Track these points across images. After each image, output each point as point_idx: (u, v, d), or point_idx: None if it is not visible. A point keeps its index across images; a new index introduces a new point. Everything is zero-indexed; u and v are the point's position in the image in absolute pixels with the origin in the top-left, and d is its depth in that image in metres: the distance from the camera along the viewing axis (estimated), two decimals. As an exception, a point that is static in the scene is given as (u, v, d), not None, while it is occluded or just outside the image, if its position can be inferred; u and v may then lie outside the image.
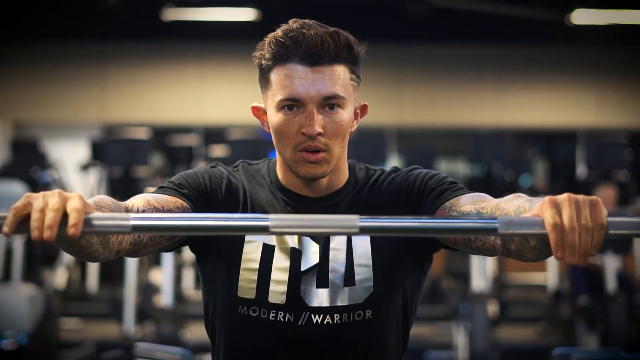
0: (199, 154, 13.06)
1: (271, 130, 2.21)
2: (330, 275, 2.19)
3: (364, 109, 2.33)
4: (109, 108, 15.27)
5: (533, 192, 11.35)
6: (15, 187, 7.85)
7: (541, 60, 15.33)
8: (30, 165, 10.06)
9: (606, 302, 7.96)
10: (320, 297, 2.18)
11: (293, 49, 2.12)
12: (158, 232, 1.80)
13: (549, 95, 15.47)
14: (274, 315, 2.18)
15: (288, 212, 2.22)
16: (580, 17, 13.07)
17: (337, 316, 2.18)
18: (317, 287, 2.18)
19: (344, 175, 2.28)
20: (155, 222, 1.79)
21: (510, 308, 9.05)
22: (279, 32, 2.17)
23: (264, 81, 2.19)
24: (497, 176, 10.49)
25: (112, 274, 10.33)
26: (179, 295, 8.44)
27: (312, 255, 2.19)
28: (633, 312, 8.36)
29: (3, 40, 14.62)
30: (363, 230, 1.74)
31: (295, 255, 2.19)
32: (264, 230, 1.75)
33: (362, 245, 2.21)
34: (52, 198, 1.69)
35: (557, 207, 1.72)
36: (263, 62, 2.18)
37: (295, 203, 2.23)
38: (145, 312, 8.12)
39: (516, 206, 1.95)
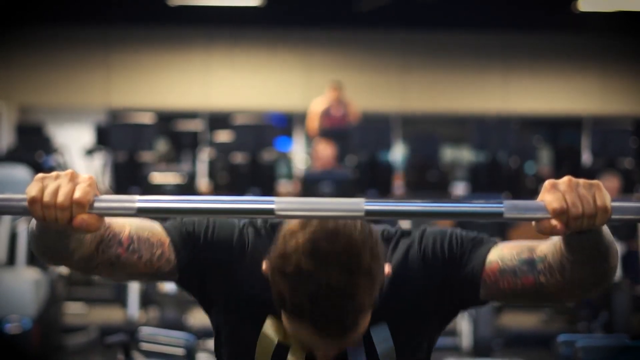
0: (204, 139, 13.06)
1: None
2: None
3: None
4: (114, 93, 15.27)
5: (538, 179, 11.33)
6: (20, 172, 7.86)
7: (547, 47, 15.30)
8: (35, 150, 10.07)
9: (611, 289, 7.96)
10: None
11: (306, 315, 1.86)
12: (163, 215, 1.79)
13: (554, 82, 15.45)
14: None
15: None
16: (587, 4, 13.04)
17: None
18: None
19: None
20: (160, 204, 1.78)
21: (514, 295, 9.03)
22: (289, 284, 1.86)
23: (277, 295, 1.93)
24: (501, 163, 10.50)
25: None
26: (183, 281, 8.43)
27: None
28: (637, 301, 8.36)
29: (9, 25, 14.61)
30: (368, 214, 1.73)
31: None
32: (269, 213, 1.74)
33: (382, 334, 2.04)
34: (62, 187, 1.73)
35: (560, 193, 1.73)
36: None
37: None
38: (150, 297, 8.13)
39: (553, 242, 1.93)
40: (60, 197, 1.71)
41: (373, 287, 1.87)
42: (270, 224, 2.09)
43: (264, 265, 1.92)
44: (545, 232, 1.75)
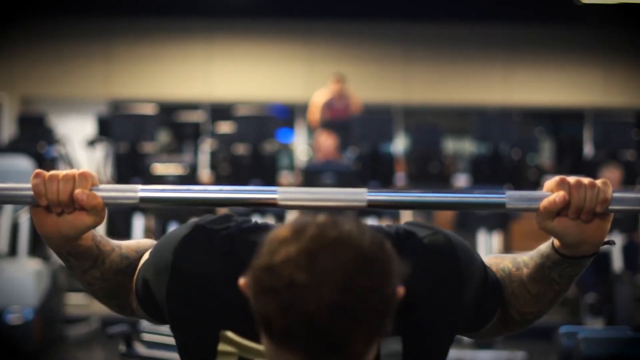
0: (206, 130, 13.04)
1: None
2: None
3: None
4: (115, 84, 15.26)
5: (539, 171, 11.32)
6: (22, 162, 7.85)
7: (549, 39, 15.28)
8: (37, 141, 10.06)
9: (612, 281, 7.95)
10: None
11: (299, 341, 1.41)
12: (166, 205, 1.79)
13: (556, 74, 15.43)
14: None
15: None
16: (589, -5, 13.02)
17: None
18: None
19: None
20: (163, 194, 1.78)
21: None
22: (277, 303, 1.41)
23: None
24: (503, 155, 10.48)
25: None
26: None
27: None
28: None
29: (10, 16, 14.59)
30: (371, 204, 1.73)
31: None
32: (271, 202, 1.73)
33: None
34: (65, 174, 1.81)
35: (559, 177, 1.79)
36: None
37: None
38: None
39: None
40: (66, 171, 1.78)
41: (385, 312, 1.44)
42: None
43: (242, 281, 1.49)
44: (549, 209, 1.76)
